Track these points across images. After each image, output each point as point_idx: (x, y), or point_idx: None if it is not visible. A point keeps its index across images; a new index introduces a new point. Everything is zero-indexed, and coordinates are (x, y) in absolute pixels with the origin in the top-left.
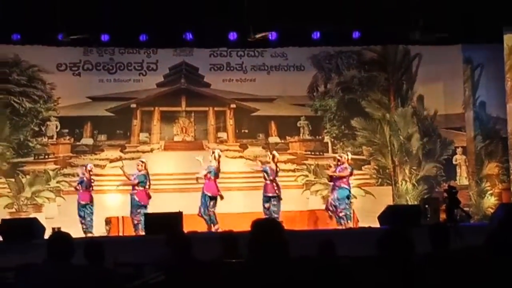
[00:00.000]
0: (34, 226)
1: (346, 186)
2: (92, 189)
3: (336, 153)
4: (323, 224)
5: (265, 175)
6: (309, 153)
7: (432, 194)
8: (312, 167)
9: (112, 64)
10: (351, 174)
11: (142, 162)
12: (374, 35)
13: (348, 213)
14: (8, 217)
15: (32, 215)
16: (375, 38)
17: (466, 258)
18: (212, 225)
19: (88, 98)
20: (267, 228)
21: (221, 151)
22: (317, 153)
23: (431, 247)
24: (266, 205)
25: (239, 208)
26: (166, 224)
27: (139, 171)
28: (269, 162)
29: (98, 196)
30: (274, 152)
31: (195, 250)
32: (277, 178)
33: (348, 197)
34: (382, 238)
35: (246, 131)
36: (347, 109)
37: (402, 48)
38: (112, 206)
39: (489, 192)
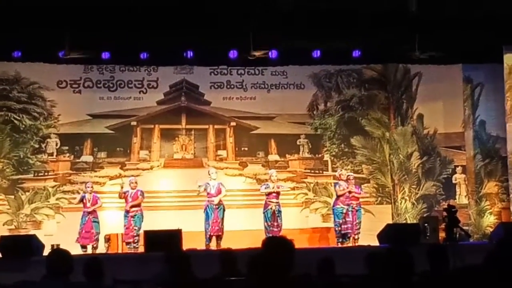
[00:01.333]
0: (33, 243)
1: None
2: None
3: (335, 171)
4: (322, 242)
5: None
6: (309, 171)
7: (431, 213)
8: (312, 185)
9: (112, 81)
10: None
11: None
12: (374, 54)
13: None
14: (7, 234)
15: (31, 232)
16: (375, 57)
17: (465, 278)
18: None
19: (88, 115)
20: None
21: (220, 169)
22: (317, 171)
23: (430, 267)
24: (269, 222)
25: (238, 225)
26: (165, 242)
27: (133, 188)
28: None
29: (98, 214)
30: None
31: (194, 267)
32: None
33: None
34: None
35: (246, 149)
36: (347, 128)
37: (402, 67)
38: (111, 224)
39: (488, 211)
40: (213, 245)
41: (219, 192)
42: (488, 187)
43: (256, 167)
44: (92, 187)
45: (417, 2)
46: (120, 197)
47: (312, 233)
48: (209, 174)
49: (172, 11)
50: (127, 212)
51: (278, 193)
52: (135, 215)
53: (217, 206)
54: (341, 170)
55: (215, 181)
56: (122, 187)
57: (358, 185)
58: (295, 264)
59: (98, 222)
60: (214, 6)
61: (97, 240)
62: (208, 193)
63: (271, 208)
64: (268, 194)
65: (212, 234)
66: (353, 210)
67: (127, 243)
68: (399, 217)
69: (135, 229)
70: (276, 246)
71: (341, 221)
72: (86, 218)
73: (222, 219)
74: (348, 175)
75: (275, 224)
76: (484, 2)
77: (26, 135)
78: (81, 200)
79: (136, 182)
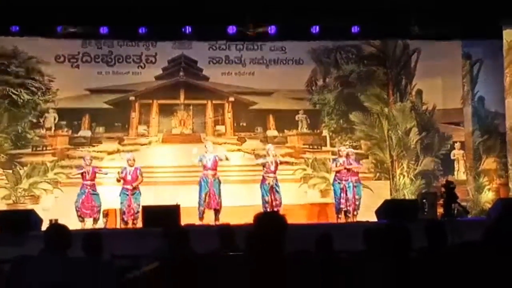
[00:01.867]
0: (31, 218)
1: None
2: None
3: (334, 147)
4: (320, 218)
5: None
6: (307, 147)
7: (430, 189)
8: (310, 160)
9: (110, 56)
10: None
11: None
12: (373, 29)
13: None
14: (5, 208)
15: (29, 207)
16: (374, 33)
17: (463, 254)
18: None
19: (87, 90)
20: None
21: (219, 144)
22: (315, 147)
23: (428, 243)
24: (266, 197)
25: (237, 201)
26: (164, 217)
27: (131, 165)
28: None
29: (96, 187)
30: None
31: (192, 242)
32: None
33: None
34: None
35: (244, 124)
36: (346, 103)
37: (401, 43)
38: (110, 199)
39: (487, 187)
40: (211, 220)
41: (215, 164)
42: (487, 163)
43: (254, 142)
44: (91, 160)
45: None
46: (118, 181)
47: (310, 209)
48: (205, 147)
49: None
50: (126, 190)
51: (276, 167)
52: (134, 193)
53: (212, 179)
54: (340, 146)
55: (211, 154)
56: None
57: (358, 161)
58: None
59: (98, 195)
60: None
61: (98, 212)
62: (204, 166)
63: (268, 183)
64: (265, 167)
65: (208, 208)
66: (352, 186)
67: (125, 222)
68: (398, 193)
69: (135, 207)
70: (267, 222)
71: (339, 197)
72: (86, 191)
73: (219, 193)
74: (348, 151)
75: (273, 198)
76: None
77: (24, 110)
78: (81, 174)
79: (134, 159)
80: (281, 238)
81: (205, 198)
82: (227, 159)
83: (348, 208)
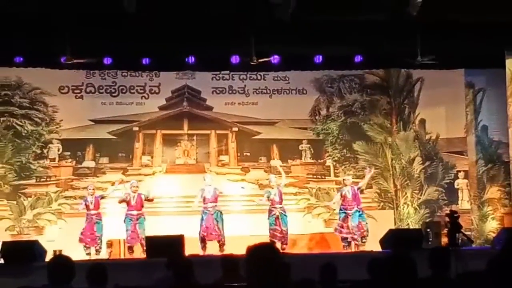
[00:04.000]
0: (35, 249)
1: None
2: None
3: (338, 176)
4: (324, 247)
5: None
6: (311, 176)
7: (434, 218)
8: (314, 190)
9: (114, 87)
10: None
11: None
12: (376, 59)
13: None
14: (9, 239)
15: (34, 238)
16: (377, 62)
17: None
18: None
19: (90, 120)
20: (261, 252)
21: (222, 174)
22: (319, 176)
23: (431, 271)
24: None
25: (241, 231)
26: (168, 247)
27: (134, 192)
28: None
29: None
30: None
31: (196, 273)
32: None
33: None
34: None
35: (248, 154)
36: (349, 133)
37: (404, 72)
38: (114, 229)
39: (491, 216)
40: (216, 250)
41: (215, 197)
42: (491, 192)
43: (258, 172)
44: (94, 189)
45: (418, 6)
46: (120, 202)
47: (314, 239)
48: (204, 180)
49: (174, 16)
50: (130, 216)
51: (280, 197)
52: (139, 218)
53: (212, 211)
54: (345, 176)
55: (210, 186)
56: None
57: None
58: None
59: (101, 224)
60: (216, 11)
61: (100, 241)
62: (204, 198)
63: (274, 214)
64: (270, 200)
65: (208, 239)
66: (358, 214)
67: (130, 248)
68: (402, 222)
69: (140, 232)
70: (255, 253)
71: (342, 224)
72: (90, 220)
73: (222, 224)
74: (344, 179)
75: (279, 230)
76: (486, 7)
77: (28, 141)
78: (85, 205)
79: (137, 186)
80: (275, 268)
81: (204, 230)
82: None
83: (353, 236)
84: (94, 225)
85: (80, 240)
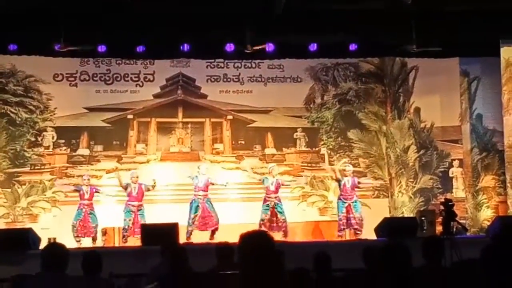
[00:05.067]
0: (30, 237)
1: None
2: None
3: (333, 164)
4: (319, 236)
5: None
6: (306, 164)
7: (429, 207)
8: (309, 178)
9: (108, 74)
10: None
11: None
12: (371, 47)
13: None
14: (3, 227)
15: (28, 226)
16: (372, 50)
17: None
18: None
19: (85, 108)
20: (254, 240)
21: (217, 162)
22: (314, 164)
23: (425, 260)
24: (263, 215)
25: (235, 219)
26: (162, 235)
27: (134, 182)
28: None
29: (94, 206)
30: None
31: (190, 261)
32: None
33: None
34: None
35: (243, 142)
36: (344, 121)
37: (399, 60)
38: (108, 217)
39: (485, 205)
40: (207, 239)
41: (207, 186)
42: (485, 180)
43: (253, 160)
44: (89, 179)
45: None
46: (121, 186)
47: (309, 227)
48: (198, 168)
49: (169, 4)
50: (131, 207)
51: (276, 188)
52: (140, 209)
53: (204, 200)
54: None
55: (204, 175)
56: (119, 180)
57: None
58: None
59: (94, 214)
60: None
61: (96, 232)
62: (195, 187)
63: (269, 204)
64: (266, 188)
65: (204, 228)
66: (359, 204)
67: (125, 239)
68: (396, 211)
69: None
70: (250, 240)
71: (344, 215)
72: (83, 211)
73: (214, 211)
74: (344, 169)
75: (274, 219)
76: None
77: (22, 128)
78: (78, 190)
79: (137, 176)
80: (268, 256)
81: (194, 219)
82: (226, 184)
83: (356, 226)
84: (88, 217)
85: (76, 232)
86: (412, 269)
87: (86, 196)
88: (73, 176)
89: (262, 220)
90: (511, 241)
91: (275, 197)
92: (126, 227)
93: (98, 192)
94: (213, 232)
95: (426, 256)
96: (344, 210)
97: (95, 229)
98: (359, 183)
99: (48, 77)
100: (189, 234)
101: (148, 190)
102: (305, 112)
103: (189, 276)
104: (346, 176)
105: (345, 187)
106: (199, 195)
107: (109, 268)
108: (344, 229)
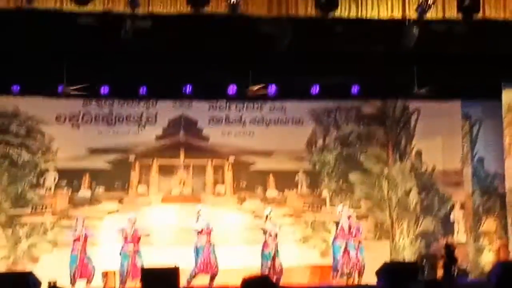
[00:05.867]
0: (30, 281)
1: None
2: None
3: (334, 205)
4: (319, 279)
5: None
6: (307, 207)
7: (430, 250)
8: (310, 221)
9: (111, 116)
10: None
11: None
12: (373, 89)
13: None
14: (4, 268)
15: (29, 267)
16: (374, 92)
17: None
18: None
19: (87, 149)
20: (256, 284)
21: (219, 205)
22: (315, 207)
23: None
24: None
25: (236, 263)
26: (163, 279)
27: (132, 226)
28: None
29: (94, 248)
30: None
31: None
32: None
33: None
34: None
35: (244, 184)
36: (346, 164)
37: (400, 103)
38: (109, 260)
39: (487, 248)
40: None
41: (209, 231)
42: (487, 224)
43: (254, 202)
44: (83, 223)
45: (415, 38)
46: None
47: (310, 270)
48: (199, 213)
49: (171, 45)
50: (126, 251)
51: (276, 235)
52: (137, 252)
53: (208, 245)
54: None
55: (204, 221)
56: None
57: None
58: None
59: (90, 258)
60: (213, 42)
61: (92, 274)
62: (198, 231)
63: (270, 249)
64: (265, 233)
65: (205, 273)
66: (354, 247)
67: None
68: (398, 254)
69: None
70: (252, 285)
71: (340, 256)
72: (78, 256)
73: (215, 258)
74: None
75: (272, 264)
76: (482, 38)
77: (24, 170)
78: (75, 236)
79: (135, 221)
80: None
81: (196, 264)
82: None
83: (350, 270)
84: (86, 261)
85: (75, 277)
86: None
87: (82, 239)
88: (75, 218)
89: (266, 267)
90: None
91: (274, 243)
92: (124, 270)
93: (91, 236)
94: (212, 278)
95: None
96: (341, 252)
97: (93, 271)
98: (358, 227)
99: (50, 118)
100: (191, 278)
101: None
102: (307, 154)
103: None
104: (343, 217)
105: (343, 229)
106: (202, 240)
107: None
108: (340, 272)
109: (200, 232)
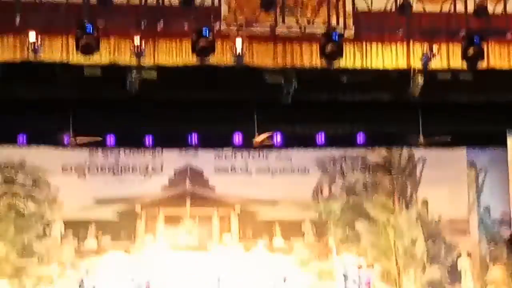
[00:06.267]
0: None
1: None
2: None
3: (340, 255)
4: None
5: None
6: (313, 256)
7: None
8: (317, 270)
9: (117, 166)
10: None
11: None
12: (378, 137)
13: None
14: None
15: None
16: (379, 141)
17: None
18: None
19: (93, 200)
20: None
21: (225, 254)
22: (322, 256)
23: None
24: None
25: None
26: None
27: None
28: None
29: None
30: None
31: None
32: None
33: None
34: None
35: (250, 233)
36: (352, 212)
37: (406, 151)
38: None
39: None
40: None
41: None
42: (494, 272)
43: (261, 251)
44: (86, 272)
45: (420, 87)
46: None
47: None
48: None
49: (177, 95)
50: None
51: None
52: None
53: None
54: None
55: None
56: None
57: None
58: None
59: None
60: (218, 92)
61: None
62: None
63: None
64: None
65: None
66: None
67: None
68: None
69: None
70: None
71: None
72: None
73: None
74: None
75: None
76: (487, 86)
77: (30, 221)
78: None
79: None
80: None
81: None
82: None
83: None
84: None
85: None
86: None
87: None
88: (81, 269)
89: None
90: None
91: None
92: None
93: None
94: None
95: None
96: None
97: None
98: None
99: (57, 169)
100: None
101: None
102: (313, 203)
103: None
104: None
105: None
106: None
107: None
108: None
109: None
